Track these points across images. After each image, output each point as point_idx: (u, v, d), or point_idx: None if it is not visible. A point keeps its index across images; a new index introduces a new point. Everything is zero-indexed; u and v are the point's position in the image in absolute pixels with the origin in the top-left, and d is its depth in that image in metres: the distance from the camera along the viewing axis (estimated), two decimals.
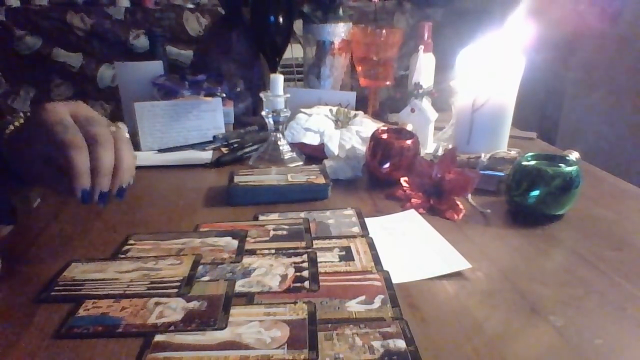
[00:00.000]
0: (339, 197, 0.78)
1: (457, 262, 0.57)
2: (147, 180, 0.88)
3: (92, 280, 0.54)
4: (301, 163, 0.91)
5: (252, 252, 0.60)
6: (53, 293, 0.52)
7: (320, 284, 0.53)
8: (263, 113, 0.90)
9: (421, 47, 1.04)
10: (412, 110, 0.96)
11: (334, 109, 1.01)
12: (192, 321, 0.47)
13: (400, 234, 0.66)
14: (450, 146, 0.91)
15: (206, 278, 0.55)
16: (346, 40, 1.18)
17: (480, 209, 0.73)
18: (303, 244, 0.62)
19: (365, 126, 0.96)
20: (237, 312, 0.48)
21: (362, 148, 0.89)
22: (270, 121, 0.89)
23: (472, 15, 2.22)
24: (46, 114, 0.50)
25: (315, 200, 0.77)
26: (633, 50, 1.90)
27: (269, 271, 0.56)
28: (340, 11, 1.18)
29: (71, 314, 0.48)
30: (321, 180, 0.79)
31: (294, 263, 0.57)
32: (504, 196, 0.74)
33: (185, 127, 1.03)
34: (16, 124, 0.57)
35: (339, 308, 0.49)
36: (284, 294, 0.51)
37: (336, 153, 0.92)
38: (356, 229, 0.66)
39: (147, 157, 0.98)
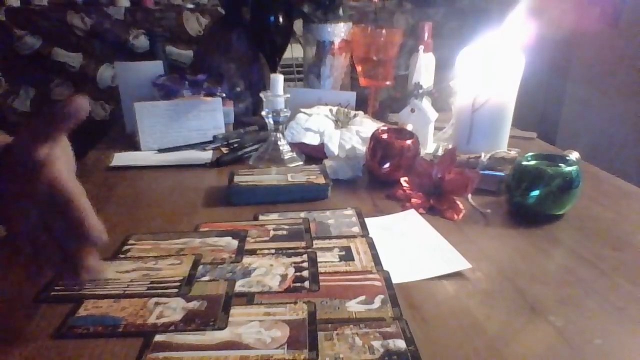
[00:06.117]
0: (339, 197, 0.78)
1: (457, 262, 0.57)
2: (147, 180, 0.88)
3: (92, 280, 0.54)
4: (301, 163, 0.91)
5: (252, 252, 0.60)
6: (53, 293, 0.52)
7: (320, 284, 0.53)
8: (263, 113, 0.90)
9: (421, 47, 1.03)
10: (412, 110, 0.96)
11: (334, 109, 1.01)
12: (192, 321, 0.47)
13: (400, 234, 0.66)
14: (450, 146, 0.90)
15: (206, 278, 0.55)
16: (346, 40, 1.18)
17: (480, 209, 0.72)
18: (303, 244, 0.62)
19: (365, 126, 0.96)
20: (237, 312, 0.48)
21: (362, 148, 0.89)
22: (270, 121, 0.89)
23: (472, 15, 2.22)
24: None
25: (315, 200, 0.77)
26: (633, 50, 1.90)
27: (269, 271, 0.56)
28: (340, 11, 1.18)
29: (71, 314, 0.48)
30: (321, 180, 0.79)
31: (294, 263, 0.57)
32: (504, 196, 0.74)
33: (185, 127, 1.03)
34: None
35: (339, 308, 0.49)
36: (284, 294, 0.51)
37: (336, 153, 0.91)
38: (356, 229, 0.66)
39: (147, 157, 0.98)
